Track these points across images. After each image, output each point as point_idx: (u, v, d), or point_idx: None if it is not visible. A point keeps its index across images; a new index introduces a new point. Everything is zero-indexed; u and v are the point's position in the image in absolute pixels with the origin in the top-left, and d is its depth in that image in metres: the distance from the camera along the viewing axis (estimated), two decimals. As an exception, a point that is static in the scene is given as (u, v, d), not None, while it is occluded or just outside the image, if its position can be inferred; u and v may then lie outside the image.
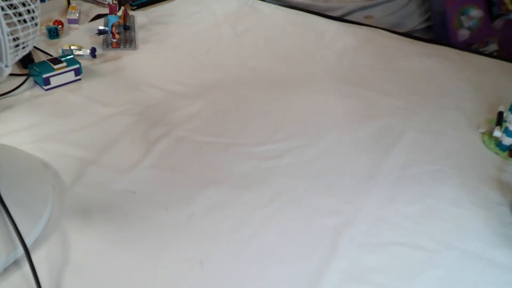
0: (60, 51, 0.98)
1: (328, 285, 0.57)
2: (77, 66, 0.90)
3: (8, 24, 0.53)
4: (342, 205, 0.68)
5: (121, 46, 1.02)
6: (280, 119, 0.85)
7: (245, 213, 0.66)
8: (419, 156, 0.78)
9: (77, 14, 1.10)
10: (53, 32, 1.03)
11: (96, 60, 0.98)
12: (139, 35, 1.08)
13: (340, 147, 0.79)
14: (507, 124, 0.78)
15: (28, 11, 0.55)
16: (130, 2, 1.18)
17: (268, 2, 1.26)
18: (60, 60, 0.89)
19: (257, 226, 0.64)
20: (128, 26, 1.08)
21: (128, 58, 0.99)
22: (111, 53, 1.01)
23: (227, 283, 0.57)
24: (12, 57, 0.55)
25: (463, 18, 1.17)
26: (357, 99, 0.91)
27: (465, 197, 0.71)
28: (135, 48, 1.02)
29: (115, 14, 1.05)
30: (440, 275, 0.60)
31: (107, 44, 1.02)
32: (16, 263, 0.57)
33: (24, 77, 0.89)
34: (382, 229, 0.65)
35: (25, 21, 0.55)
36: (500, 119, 0.84)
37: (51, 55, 0.96)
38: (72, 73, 0.90)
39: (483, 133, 0.84)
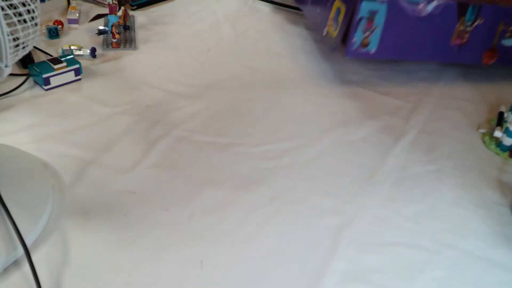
0: (60, 51, 0.98)
1: (328, 285, 0.57)
2: (77, 66, 0.90)
3: (8, 24, 0.53)
4: (342, 205, 0.68)
5: (121, 46, 1.02)
6: (280, 119, 0.85)
7: (245, 213, 0.66)
8: (419, 156, 0.79)
9: (77, 14, 1.10)
10: (53, 32, 1.03)
11: (96, 60, 0.98)
12: (139, 35, 1.08)
13: (340, 147, 0.80)
14: (508, 125, 0.78)
15: (28, 11, 0.55)
16: (130, 2, 1.18)
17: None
18: (60, 60, 0.89)
19: (257, 226, 0.64)
20: (128, 26, 1.08)
21: (128, 58, 0.99)
22: (111, 53, 1.01)
23: (227, 283, 0.57)
24: (12, 57, 0.55)
25: None
26: (357, 99, 0.91)
27: (465, 197, 0.71)
28: (135, 48, 1.02)
29: (115, 14, 1.05)
30: (440, 275, 0.60)
31: (107, 44, 1.02)
32: (16, 263, 0.57)
33: (24, 77, 0.89)
34: (382, 229, 0.65)
35: (25, 21, 0.55)
36: (500, 120, 0.84)
37: (51, 55, 0.96)
38: (72, 73, 0.90)
39: (483, 134, 0.84)
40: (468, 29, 0.92)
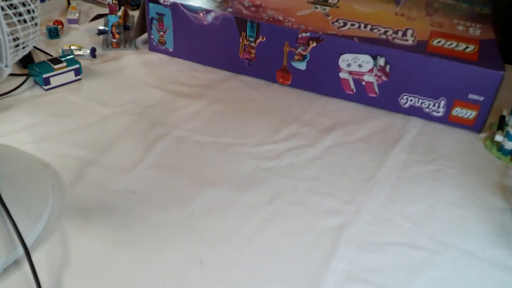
0: (60, 51, 0.98)
1: (328, 285, 0.57)
2: (77, 66, 0.90)
3: (8, 24, 0.53)
4: (342, 205, 0.68)
5: (121, 46, 1.02)
6: (280, 119, 0.85)
7: (245, 213, 0.66)
8: (419, 156, 0.79)
9: (77, 14, 1.10)
10: (53, 32, 1.03)
11: (96, 60, 0.98)
12: (139, 35, 1.08)
13: (340, 147, 0.80)
14: (509, 128, 0.78)
15: (28, 11, 0.55)
16: (130, 2, 1.18)
17: None
18: (60, 60, 0.89)
19: (257, 226, 0.64)
20: (128, 26, 1.08)
21: (128, 58, 0.99)
22: (111, 53, 1.01)
23: (227, 283, 0.57)
24: (12, 57, 0.55)
25: None
26: (357, 99, 0.91)
27: (465, 197, 0.71)
28: (135, 48, 1.02)
29: (115, 14, 1.05)
30: (440, 275, 0.60)
31: (107, 44, 1.02)
32: (16, 263, 0.57)
33: (24, 77, 0.89)
34: (382, 229, 0.65)
35: (25, 21, 0.55)
36: (502, 123, 0.84)
37: (51, 55, 0.96)
38: (72, 73, 0.90)
39: (484, 138, 0.84)
40: (253, 44, 0.90)
